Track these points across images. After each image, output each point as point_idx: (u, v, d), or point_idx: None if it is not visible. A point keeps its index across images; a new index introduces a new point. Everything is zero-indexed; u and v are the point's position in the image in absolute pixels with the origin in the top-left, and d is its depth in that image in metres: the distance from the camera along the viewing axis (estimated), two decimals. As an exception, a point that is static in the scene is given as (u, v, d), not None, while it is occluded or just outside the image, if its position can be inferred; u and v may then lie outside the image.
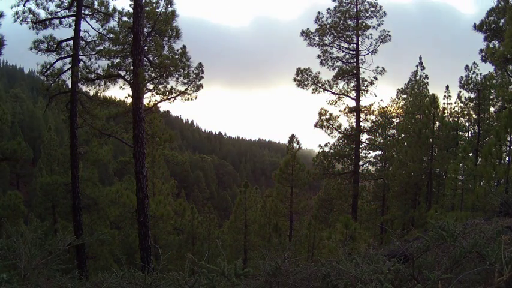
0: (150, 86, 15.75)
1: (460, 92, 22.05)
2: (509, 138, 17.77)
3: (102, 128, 15.84)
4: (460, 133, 22.76)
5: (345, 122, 20.55)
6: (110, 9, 14.73)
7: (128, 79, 14.76)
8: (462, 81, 21.65)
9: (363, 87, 19.66)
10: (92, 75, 14.87)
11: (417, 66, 23.82)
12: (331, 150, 20.46)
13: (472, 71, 21.27)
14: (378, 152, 21.67)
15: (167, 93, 15.76)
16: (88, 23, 14.77)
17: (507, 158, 17.76)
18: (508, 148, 17.81)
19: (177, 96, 15.79)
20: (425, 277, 2.33)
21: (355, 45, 19.44)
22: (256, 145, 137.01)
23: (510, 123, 14.72)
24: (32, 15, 13.61)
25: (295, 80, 19.69)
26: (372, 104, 20.11)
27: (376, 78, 19.57)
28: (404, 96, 24.29)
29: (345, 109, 20.18)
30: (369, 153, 21.62)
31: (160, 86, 15.79)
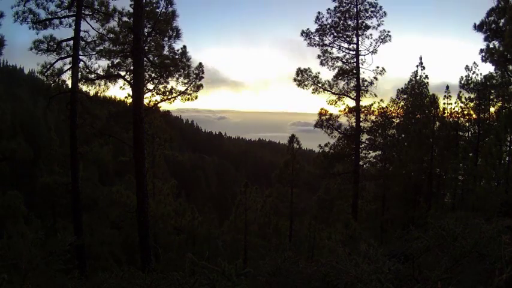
0: (150, 86, 15.80)
1: (460, 92, 22.01)
2: (509, 138, 17.79)
3: (102, 128, 15.84)
4: (460, 133, 22.71)
5: (345, 122, 20.55)
6: (110, 9, 14.73)
7: (128, 79, 14.77)
8: (462, 81, 21.60)
9: (363, 87, 19.64)
10: (92, 75, 14.89)
11: (417, 66, 23.81)
12: (331, 150, 20.43)
13: (472, 71, 21.22)
14: (378, 152, 21.63)
15: (167, 93, 15.80)
16: (88, 23, 14.78)
17: (507, 158, 17.78)
18: (508, 148, 17.82)
19: (177, 96, 15.84)
20: (425, 277, 2.33)
21: (355, 45, 19.42)
22: (256, 145, 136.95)
23: (510, 123, 14.73)
24: (32, 15, 13.61)
25: (295, 80, 19.68)
26: (372, 104, 20.11)
27: (376, 79, 19.57)
28: (405, 96, 24.25)
29: (345, 109, 20.17)
30: (369, 153, 21.56)
31: (160, 86, 15.84)
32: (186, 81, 15.61)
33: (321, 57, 19.72)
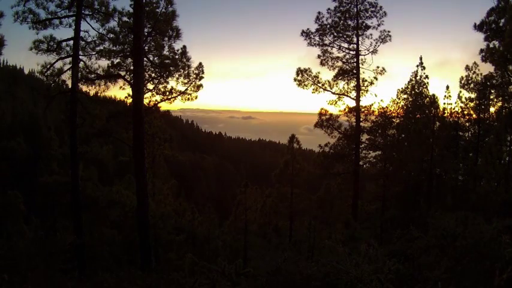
0: (150, 86, 15.80)
1: (460, 92, 22.01)
2: (509, 138, 17.79)
3: (102, 128, 15.84)
4: (460, 133, 22.70)
5: (345, 122, 20.54)
6: (110, 9, 14.70)
7: (128, 79, 14.78)
8: (462, 81, 21.60)
9: (363, 87, 19.64)
10: (92, 75, 14.88)
11: (417, 66, 23.78)
12: (331, 150, 20.42)
13: (472, 71, 21.21)
14: (378, 152, 21.62)
15: (167, 93, 15.81)
16: (88, 23, 14.76)
17: (507, 158, 17.78)
18: (508, 148, 17.82)
19: (177, 96, 15.84)
20: (425, 277, 2.33)
21: (355, 45, 19.41)
22: (256, 145, 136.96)
23: (510, 123, 14.74)
24: (32, 15, 13.58)
25: (295, 80, 19.67)
26: (372, 104, 20.10)
27: (376, 78, 19.56)
28: (405, 96, 24.23)
29: (345, 109, 20.16)
30: (369, 153, 21.55)
31: (160, 86, 15.84)
32: (186, 81, 15.62)
33: (321, 57, 19.73)
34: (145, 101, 15.17)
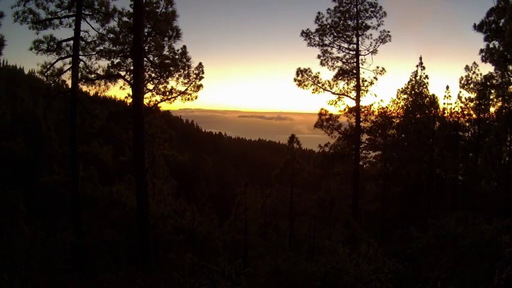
0: (150, 86, 15.81)
1: (460, 92, 22.03)
2: (509, 138, 17.81)
3: (102, 128, 15.85)
4: (460, 133, 22.71)
5: (345, 122, 20.51)
6: (110, 9, 14.71)
7: (128, 79, 14.78)
8: (462, 81, 21.61)
9: (363, 88, 19.62)
10: (92, 75, 14.89)
11: (417, 66, 23.78)
12: (331, 150, 20.41)
13: (472, 71, 21.23)
14: (378, 152, 21.61)
15: (167, 93, 15.82)
16: (88, 23, 14.77)
17: (507, 158, 17.80)
18: (508, 148, 17.84)
19: (177, 96, 15.85)
20: (425, 277, 2.33)
21: (355, 45, 19.39)
22: (256, 145, 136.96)
23: (510, 123, 14.76)
24: (32, 15, 13.59)
25: (295, 80, 19.65)
26: (372, 104, 20.08)
27: (376, 79, 19.55)
28: (405, 96, 24.24)
29: (345, 109, 20.14)
30: (369, 153, 21.53)
31: (160, 86, 15.85)
32: (186, 81, 15.63)
33: (321, 57, 19.69)
34: (145, 101, 15.18)
